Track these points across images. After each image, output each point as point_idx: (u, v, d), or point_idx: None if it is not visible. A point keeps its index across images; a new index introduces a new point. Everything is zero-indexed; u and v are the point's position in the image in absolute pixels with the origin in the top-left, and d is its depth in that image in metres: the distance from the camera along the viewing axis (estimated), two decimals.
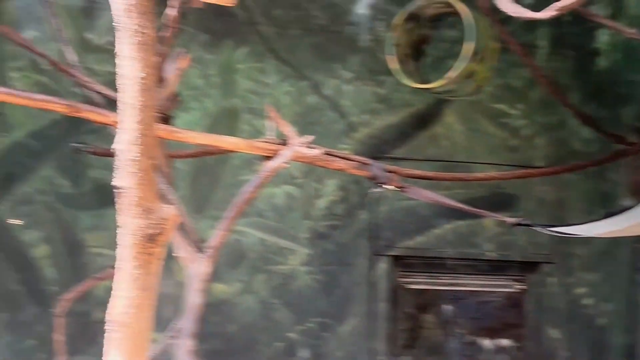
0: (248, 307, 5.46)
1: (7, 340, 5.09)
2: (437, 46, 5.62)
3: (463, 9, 5.06)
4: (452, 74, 5.07)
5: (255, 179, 3.94)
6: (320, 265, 5.55)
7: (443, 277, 5.77)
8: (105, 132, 4.71)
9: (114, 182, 2.23)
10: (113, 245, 2.34)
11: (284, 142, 3.98)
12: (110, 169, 5.38)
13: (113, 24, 2.30)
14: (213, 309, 4.97)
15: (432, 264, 5.74)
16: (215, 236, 3.81)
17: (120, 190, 2.22)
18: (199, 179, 5.41)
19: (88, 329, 4.99)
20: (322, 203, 5.58)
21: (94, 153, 5.00)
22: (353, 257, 5.61)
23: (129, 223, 2.26)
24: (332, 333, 5.55)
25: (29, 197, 5.18)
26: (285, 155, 3.90)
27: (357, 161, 4.27)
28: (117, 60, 2.23)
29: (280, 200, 5.52)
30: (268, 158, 3.96)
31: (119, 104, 2.23)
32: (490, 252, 5.83)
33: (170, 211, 2.29)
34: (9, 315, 5.09)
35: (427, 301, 5.78)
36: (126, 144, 2.23)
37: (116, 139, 2.22)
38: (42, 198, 5.19)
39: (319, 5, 5.64)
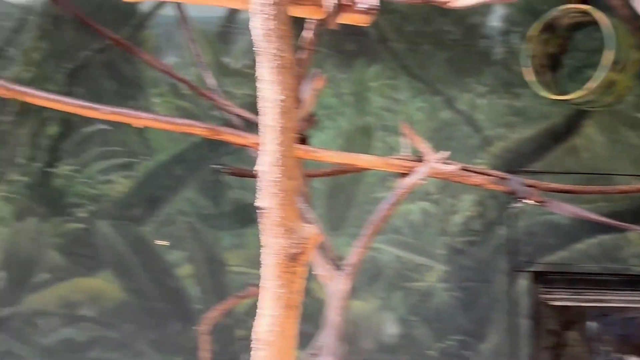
0: (386, 324, 5.45)
1: (154, 358, 5.26)
2: (575, 56, 5.49)
3: (601, 18, 4.92)
4: (592, 84, 4.93)
5: (391, 196, 3.93)
6: (458, 282, 5.49)
7: (587, 293, 5.60)
8: (243, 154, 4.83)
9: (257, 203, 2.27)
10: (253, 263, 2.40)
11: (419, 158, 3.96)
12: (248, 189, 5.52)
13: (250, 47, 2.35)
14: (352, 326, 5.00)
15: (575, 280, 5.58)
16: (353, 254, 3.82)
17: (263, 211, 2.26)
18: (335, 197, 5.46)
19: (231, 346, 5.11)
20: (458, 219, 5.52)
21: (233, 174, 5.12)
22: (492, 273, 5.52)
23: (271, 243, 2.30)
24: (473, 351, 5.47)
25: (172, 219, 5.35)
26: (421, 172, 3.88)
27: (495, 176, 4.20)
28: (257, 84, 2.28)
29: (416, 216, 5.50)
30: (403, 175, 3.95)
31: (259, 126, 2.28)
32: (636, 266, 5.61)
33: (311, 230, 2.31)
34: (156, 333, 5.27)
35: (570, 318, 5.62)
36: (268, 165, 2.27)
37: (258, 161, 2.26)
38: (184, 219, 5.36)
39: (452, 20, 5.61)
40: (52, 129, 5.35)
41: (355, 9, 2.67)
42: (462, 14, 5.62)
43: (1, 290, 5.25)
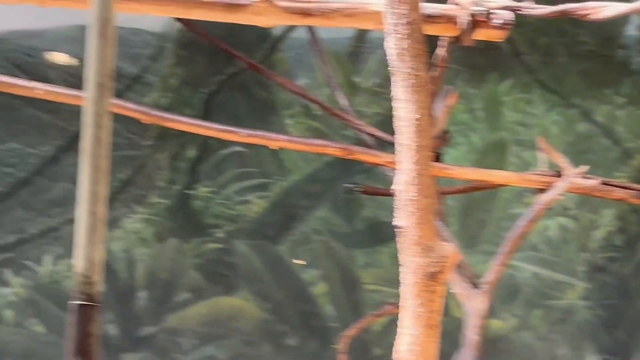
0: (526, 343, 5.34)
1: None
2: None
3: None
4: None
5: (529, 213, 3.85)
6: (601, 300, 5.32)
7: None
8: (375, 172, 4.83)
9: (394, 222, 2.27)
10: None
11: (557, 173, 3.87)
12: (381, 207, 5.52)
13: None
14: (490, 345, 4.90)
15: None
16: (491, 271, 3.76)
17: (400, 230, 2.25)
18: (469, 214, 5.40)
19: None
20: (599, 234, 5.36)
21: (366, 192, 5.13)
22: (636, 290, 5.32)
23: (409, 262, 2.29)
24: None
25: (307, 237, 5.42)
26: (559, 187, 3.79)
27: (638, 190, 4.05)
28: (387, 102, 2.29)
29: (553, 232, 5.37)
30: (541, 190, 3.86)
31: (395, 145, 2.28)
32: None
33: (450, 249, 2.29)
34: (295, 351, 5.33)
35: None
36: (404, 184, 2.26)
37: (395, 180, 2.26)
38: (319, 237, 5.41)
39: (587, 30, 5.47)
40: (190, 152, 5.52)
41: (491, 24, 2.64)
42: (597, 25, 5.46)
43: (144, 309, 5.44)
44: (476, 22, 2.66)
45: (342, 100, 4.82)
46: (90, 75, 1.51)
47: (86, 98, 1.51)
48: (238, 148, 5.42)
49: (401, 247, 2.34)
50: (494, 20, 2.68)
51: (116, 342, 5.42)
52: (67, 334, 1.40)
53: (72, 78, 5.41)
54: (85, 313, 1.43)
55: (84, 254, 1.49)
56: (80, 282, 1.46)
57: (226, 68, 5.52)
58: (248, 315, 5.37)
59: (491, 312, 4.10)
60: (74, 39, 5.53)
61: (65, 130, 5.39)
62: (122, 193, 5.47)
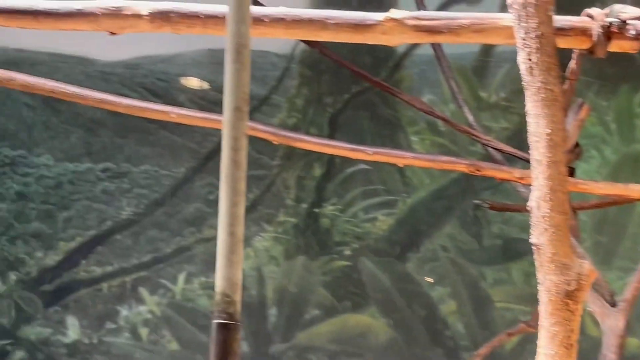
0: None
1: None
2: None
3: None
4: None
5: None
6: None
7: None
8: (502, 188, 4.77)
9: (531, 239, 2.24)
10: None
11: None
12: (510, 223, 5.42)
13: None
14: None
15: None
16: (628, 289, 3.64)
17: (536, 247, 2.22)
18: (602, 230, 5.24)
19: None
20: None
21: (493, 208, 5.05)
22: None
23: (545, 280, 2.25)
24: None
25: (434, 254, 5.38)
26: None
27: None
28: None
29: None
30: None
31: (530, 160, 2.25)
32: None
33: (586, 266, 2.24)
34: None
35: None
36: (537, 200, 2.23)
37: (530, 197, 2.23)
38: (446, 254, 5.37)
39: None
40: (317, 171, 5.58)
41: (625, 35, 2.56)
42: None
43: (274, 327, 5.51)
44: (610, 33, 2.59)
45: (469, 116, 4.77)
46: (227, 100, 1.55)
47: (224, 122, 1.55)
48: (363, 166, 5.44)
49: (538, 265, 2.31)
50: (629, 32, 2.60)
51: None
52: (210, 353, 1.44)
53: (202, 101, 5.56)
54: (227, 332, 1.47)
55: (224, 273, 1.53)
56: (220, 302, 1.49)
57: (351, 86, 5.56)
58: (376, 332, 5.37)
59: (629, 331, 3.96)
60: (202, 63, 5.69)
61: (196, 152, 5.54)
62: (252, 212, 5.57)
